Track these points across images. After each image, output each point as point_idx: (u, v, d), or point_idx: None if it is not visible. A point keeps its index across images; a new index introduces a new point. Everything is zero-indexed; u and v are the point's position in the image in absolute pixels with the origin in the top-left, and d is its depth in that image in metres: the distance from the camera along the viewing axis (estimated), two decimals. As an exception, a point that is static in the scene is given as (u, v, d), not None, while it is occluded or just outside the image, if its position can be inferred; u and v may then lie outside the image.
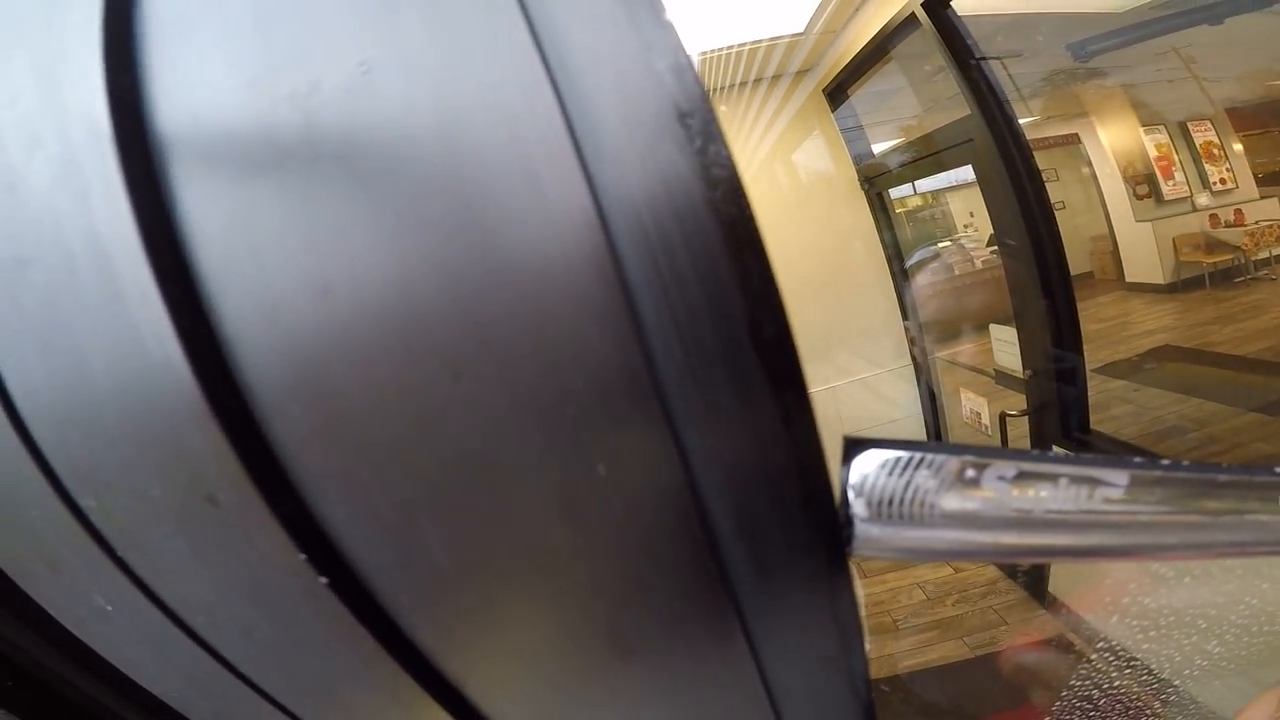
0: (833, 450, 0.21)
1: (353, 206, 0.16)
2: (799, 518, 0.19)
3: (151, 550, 0.23)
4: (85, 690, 0.44)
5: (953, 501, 0.21)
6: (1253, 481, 0.22)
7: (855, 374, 3.48)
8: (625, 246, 0.16)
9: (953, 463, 0.21)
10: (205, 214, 0.18)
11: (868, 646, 0.23)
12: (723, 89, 3.23)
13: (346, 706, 0.26)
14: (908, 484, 0.21)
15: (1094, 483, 0.21)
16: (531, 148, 0.16)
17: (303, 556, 0.20)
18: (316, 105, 0.17)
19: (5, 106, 0.20)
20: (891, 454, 0.21)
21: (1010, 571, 3.09)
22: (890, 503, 0.21)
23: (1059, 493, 0.21)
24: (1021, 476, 0.21)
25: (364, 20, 0.17)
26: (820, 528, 0.19)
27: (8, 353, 0.21)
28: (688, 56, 0.16)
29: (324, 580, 0.20)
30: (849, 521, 0.21)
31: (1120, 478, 0.21)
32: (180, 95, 0.18)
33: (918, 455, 0.21)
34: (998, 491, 0.21)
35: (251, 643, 0.24)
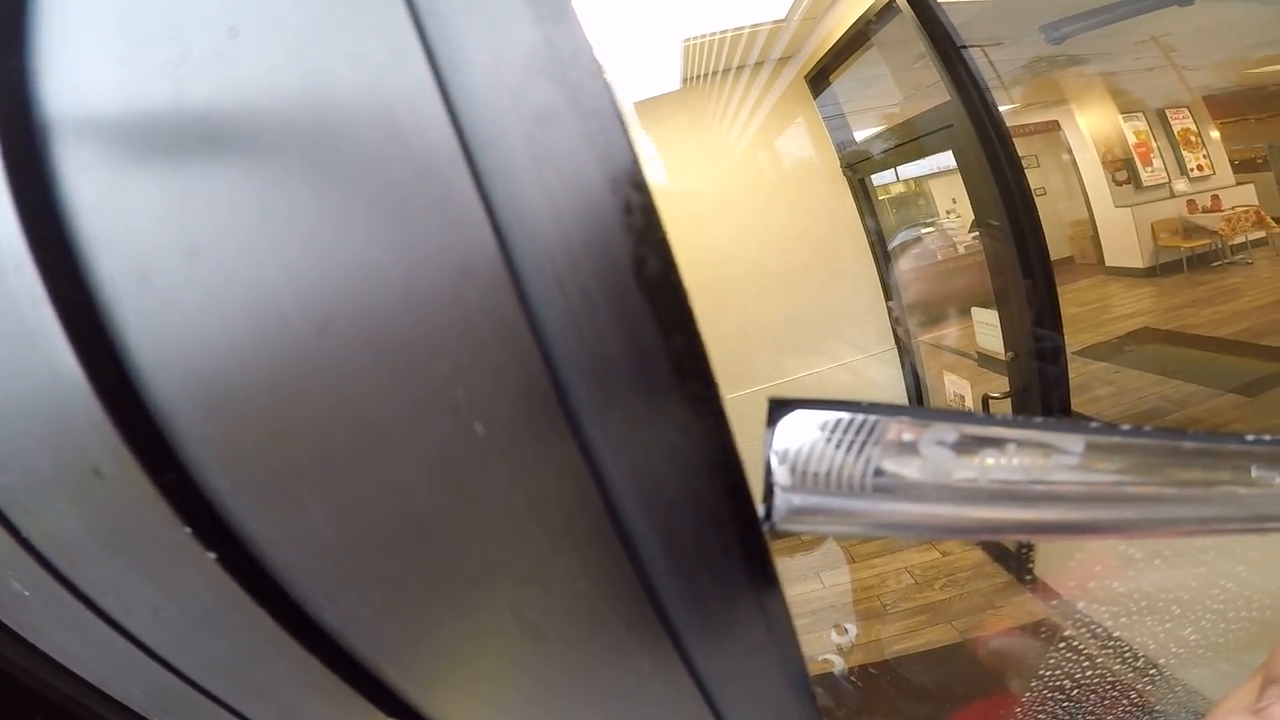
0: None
1: (218, 169, 0.16)
2: (704, 482, 0.17)
3: (52, 529, 0.22)
4: (61, 689, 0.43)
5: (887, 469, 0.19)
6: (1222, 450, 0.20)
7: (839, 359, 3.48)
8: (497, 190, 0.15)
9: (888, 426, 0.20)
10: (82, 185, 0.17)
11: (797, 621, 0.22)
12: (706, 76, 3.22)
13: (268, 692, 0.26)
14: (837, 450, 0.19)
15: (1046, 449, 0.19)
16: (392, 92, 0.15)
17: (187, 530, 0.19)
18: (185, 73, 0.16)
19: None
20: (820, 415, 0.20)
21: (997, 554, 3.11)
22: (817, 471, 0.19)
23: (1007, 460, 0.19)
24: (964, 441, 0.19)
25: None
26: (728, 493, 0.18)
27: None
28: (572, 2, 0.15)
29: (212, 555, 0.19)
30: (770, 491, 0.19)
31: (1075, 444, 0.20)
32: (61, 71, 0.18)
33: (848, 417, 0.20)
34: (937, 458, 0.19)
35: (160, 624, 0.24)
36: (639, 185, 0.15)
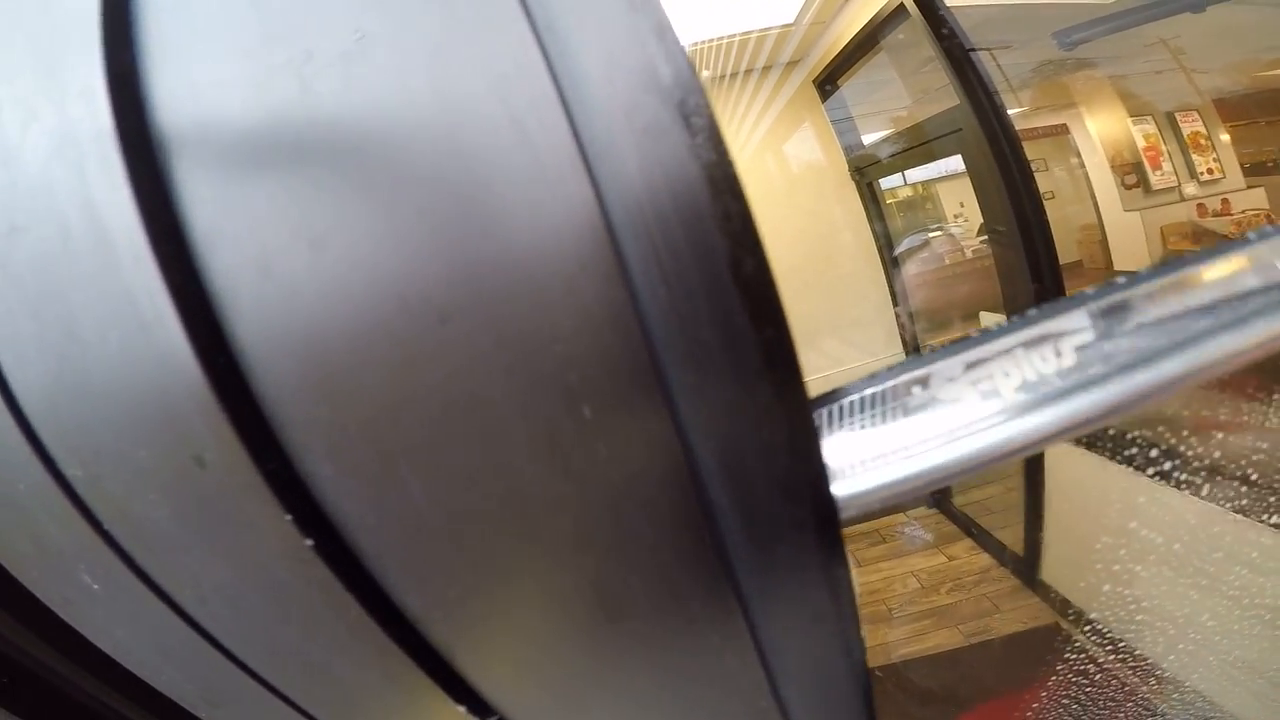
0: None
1: (346, 164, 0.17)
2: (784, 461, 0.19)
3: (138, 519, 0.23)
4: (83, 687, 0.44)
5: (917, 421, 0.19)
6: (1229, 256, 0.19)
7: (847, 363, 3.48)
8: (612, 194, 0.16)
9: (896, 386, 0.20)
10: (200, 178, 0.18)
11: (860, 610, 0.23)
12: (714, 80, 3.24)
13: (336, 682, 0.27)
14: (869, 426, 0.20)
15: (1054, 338, 0.19)
16: (519, 103, 0.16)
17: (288, 517, 0.20)
18: (311, 72, 0.17)
19: (2, 84, 0.20)
20: (844, 402, 0.21)
21: (1002, 559, 3.11)
22: (864, 453, 0.20)
23: (1020, 365, 0.19)
24: (972, 368, 0.19)
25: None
26: (806, 471, 0.19)
27: (-2, 320, 0.21)
28: (668, 19, 0.16)
29: (309, 542, 0.20)
30: (818, 439, 0.19)
31: (1079, 320, 0.19)
32: (177, 68, 0.19)
33: (866, 391, 0.20)
34: (954, 394, 0.19)
35: (238, 615, 0.24)
36: (737, 195, 0.17)
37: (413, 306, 0.17)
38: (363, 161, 0.17)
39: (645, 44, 0.16)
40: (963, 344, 0.20)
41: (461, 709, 0.26)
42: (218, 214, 0.18)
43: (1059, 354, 0.19)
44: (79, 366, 0.20)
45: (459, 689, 0.25)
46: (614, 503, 0.19)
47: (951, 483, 0.19)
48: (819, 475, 0.19)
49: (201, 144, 0.18)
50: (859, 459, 0.20)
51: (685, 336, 0.17)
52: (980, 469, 0.19)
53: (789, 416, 0.18)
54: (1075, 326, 0.19)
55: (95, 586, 0.26)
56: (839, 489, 0.20)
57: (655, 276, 0.17)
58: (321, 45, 0.17)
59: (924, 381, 0.20)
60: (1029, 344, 0.19)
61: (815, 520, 0.20)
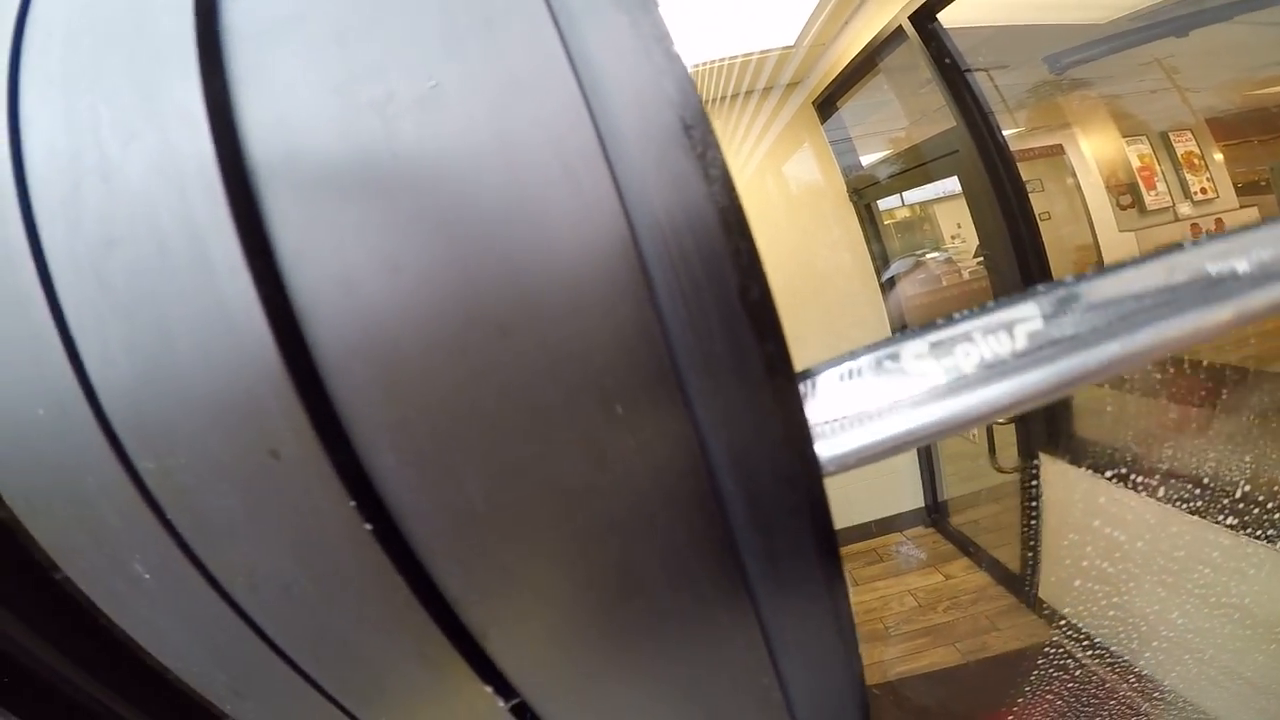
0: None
1: (421, 198, 0.20)
2: (782, 453, 0.22)
3: (203, 510, 0.25)
4: (84, 689, 0.46)
5: (889, 390, 0.24)
6: (1176, 259, 0.23)
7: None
8: (644, 232, 0.20)
9: (870, 360, 0.24)
10: (288, 202, 0.21)
11: (852, 601, 0.26)
12: (717, 101, 3.28)
13: (371, 666, 0.29)
14: (852, 392, 0.24)
15: (1009, 325, 0.23)
16: (570, 154, 0.20)
17: (353, 503, 0.23)
18: (392, 112, 0.21)
19: (103, 103, 0.23)
20: (829, 373, 0.25)
21: (1001, 577, 3.13)
22: (841, 415, 0.24)
23: (980, 347, 0.23)
24: (937, 347, 0.24)
25: (431, 44, 0.21)
26: (802, 464, 0.23)
27: (86, 323, 0.24)
28: (691, 79, 0.19)
29: (369, 527, 0.23)
30: (811, 437, 0.23)
31: (1030, 309, 0.23)
32: (267, 98, 0.22)
33: (846, 365, 0.24)
34: (922, 368, 0.23)
35: (288, 601, 0.27)
36: (746, 235, 0.20)
37: (477, 322, 0.20)
38: (436, 197, 0.20)
39: (672, 102, 0.20)
40: (928, 328, 0.24)
41: (489, 689, 0.28)
42: (304, 235, 0.21)
43: (1013, 337, 0.23)
44: (168, 367, 0.23)
45: (488, 671, 0.28)
46: (640, 489, 0.22)
47: (917, 445, 0.23)
48: (813, 467, 0.23)
49: (290, 172, 0.21)
50: (838, 419, 0.24)
51: (701, 349, 0.21)
52: (944, 433, 0.23)
53: (786, 417, 0.22)
54: (1027, 315, 0.23)
55: (147, 576, 0.28)
56: (821, 449, 0.24)
57: (678, 300, 0.21)
58: (401, 88, 0.20)
59: (895, 356, 0.24)
60: (987, 329, 0.23)
61: (809, 505, 0.23)
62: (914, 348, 0.24)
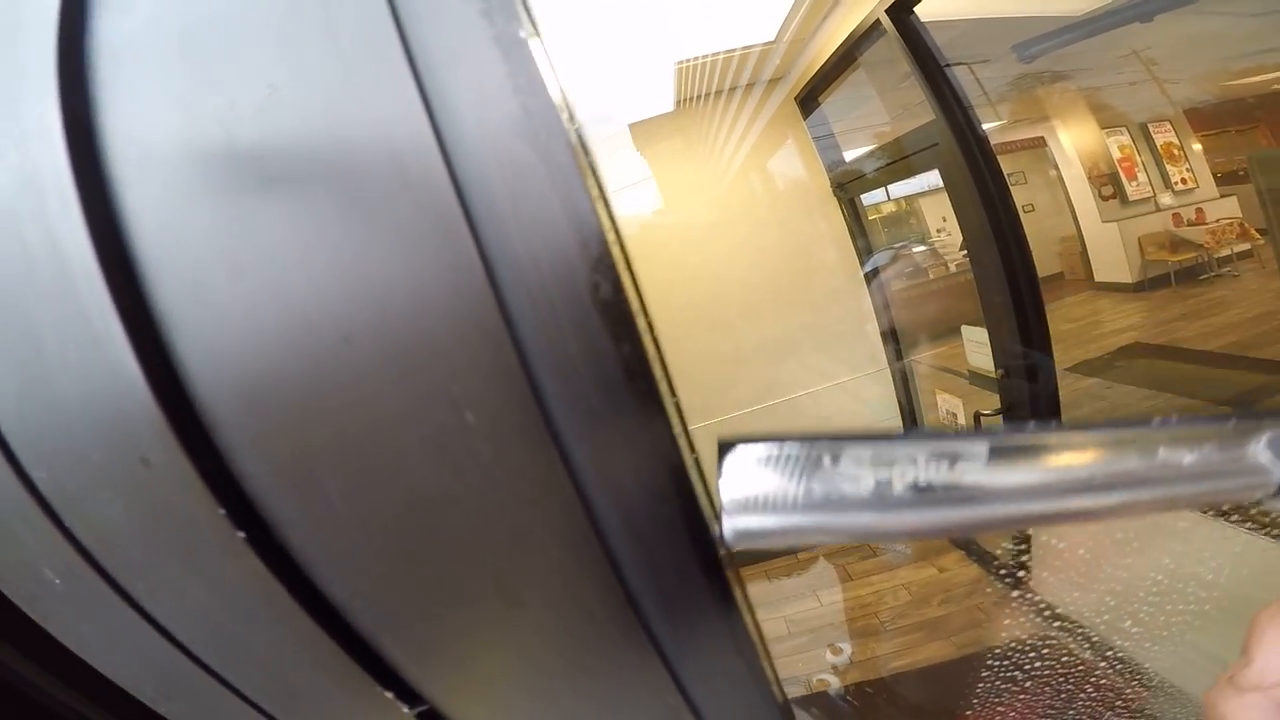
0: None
1: (261, 203, 0.20)
2: (650, 464, 0.22)
3: (93, 516, 0.25)
4: (58, 698, 0.46)
5: (815, 487, 0.23)
6: (1121, 437, 0.23)
7: (832, 378, 3.51)
8: (485, 229, 0.20)
9: (810, 451, 0.23)
10: (144, 212, 0.21)
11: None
12: (698, 98, 3.28)
13: (277, 671, 0.29)
14: (775, 476, 0.23)
15: (953, 457, 0.23)
16: (404, 150, 0.19)
17: (222, 511, 0.22)
18: (232, 119, 0.20)
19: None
20: (759, 449, 0.24)
21: (994, 570, 3.13)
22: (758, 495, 0.23)
23: (918, 469, 0.23)
24: (878, 457, 0.23)
25: (270, 50, 0.20)
26: (670, 474, 0.22)
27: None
28: (535, 71, 0.19)
29: (241, 534, 0.23)
30: (719, 516, 0.23)
31: (980, 449, 0.23)
32: (122, 112, 0.22)
33: (781, 448, 0.23)
34: (857, 474, 0.23)
35: (185, 607, 0.27)
36: (594, 228, 0.20)
37: (320, 329, 0.20)
38: (274, 200, 0.20)
39: (515, 90, 0.19)
40: (881, 439, 0.24)
41: (389, 695, 0.28)
42: (159, 244, 0.21)
43: (953, 470, 0.23)
44: (41, 377, 0.23)
45: (386, 676, 0.28)
46: (502, 499, 0.22)
47: (826, 542, 0.22)
48: (684, 477, 0.22)
49: (143, 182, 0.21)
50: (754, 498, 0.23)
51: (554, 351, 0.20)
52: (849, 539, 0.23)
53: (649, 421, 0.21)
54: (974, 453, 0.23)
55: (57, 582, 0.28)
56: (729, 528, 0.23)
57: (525, 299, 0.20)
58: (241, 96, 0.20)
59: (836, 456, 0.23)
60: (933, 455, 0.23)
61: (685, 519, 0.23)
62: (858, 453, 0.23)
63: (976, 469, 0.23)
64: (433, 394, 0.20)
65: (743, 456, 0.23)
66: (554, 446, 0.21)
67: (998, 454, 0.23)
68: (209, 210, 0.20)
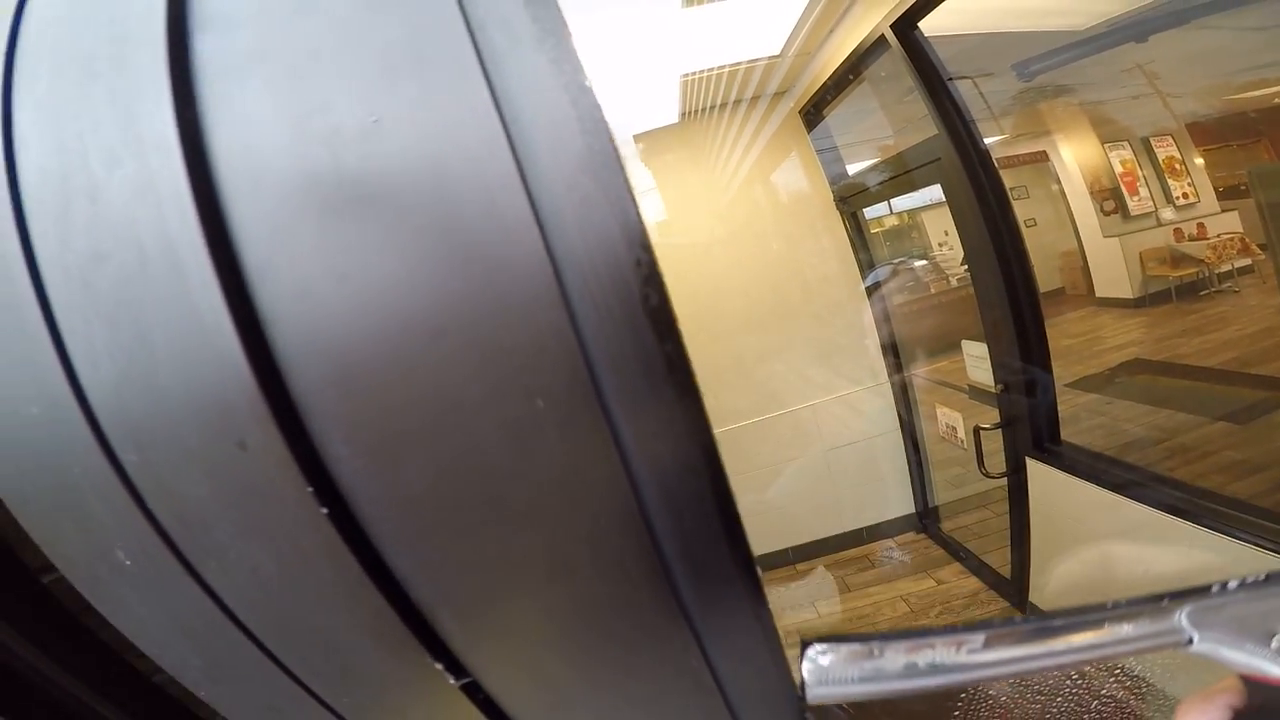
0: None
1: (365, 219, 0.23)
2: (685, 443, 0.26)
3: (180, 497, 0.28)
4: (68, 690, 0.48)
5: (866, 669, 0.33)
6: (1081, 621, 0.33)
7: (834, 391, 3.54)
8: (555, 242, 0.23)
9: (859, 649, 0.34)
10: (252, 221, 0.24)
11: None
12: (704, 111, 3.31)
13: (334, 648, 0.31)
14: (837, 663, 0.34)
15: (960, 641, 0.33)
16: (491, 182, 0.23)
17: (310, 489, 0.25)
18: (339, 144, 0.24)
19: (89, 132, 0.26)
20: (826, 646, 0.34)
21: (992, 582, 3.15)
22: (827, 674, 0.33)
23: (935, 653, 0.33)
24: (911, 648, 0.33)
25: (372, 82, 0.24)
26: (701, 452, 0.26)
27: (76, 329, 0.26)
28: (599, 109, 0.23)
29: (324, 510, 0.26)
30: (804, 687, 0.34)
31: (978, 638, 0.33)
32: (233, 127, 0.25)
33: (842, 646, 0.34)
34: (893, 660, 0.33)
35: (256, 584, 0.29)
36: (646, 247, 0.24)
37: (413, 327, 0.23)
38: (377, 217, 0.23)
39: (582, 133, 0.23)
40: (911, 635, 0.34)
41: (439, 666, 0.30)
42: (266, 251, 0.24)
43: (958, 650, 0.33)
44: (147, 367, 0.26)
45: (438, 649, 0.30)
46: (564, 475, 0.25)
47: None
48: (714, 455, 0.26)
49: (254, 194, 0.24)
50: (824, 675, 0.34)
51: (610, 349, 0.24)
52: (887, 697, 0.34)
53: (686, 407, 0.25)
54: (969, 640, 0.33)
55: (128, 563, 0.30)
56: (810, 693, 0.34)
57: (589, 306, 0.24)
58: (347, 122, 0.23)
59: (881, 650, 0.34)
60: (946, 644, 0.33)
61: (713, 490, 0.26)
62: (895, 650, 0.34)
63: (976, 647, 0.33)
64: (509, 383, 0.24)
65: (817, 649, 0.34)
66: (607, 427, 0.24)
67: (992, 638, 0.33)
68: (315, 222, 0.23)
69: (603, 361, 0.24)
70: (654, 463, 0.25)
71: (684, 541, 0.27)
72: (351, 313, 0.24)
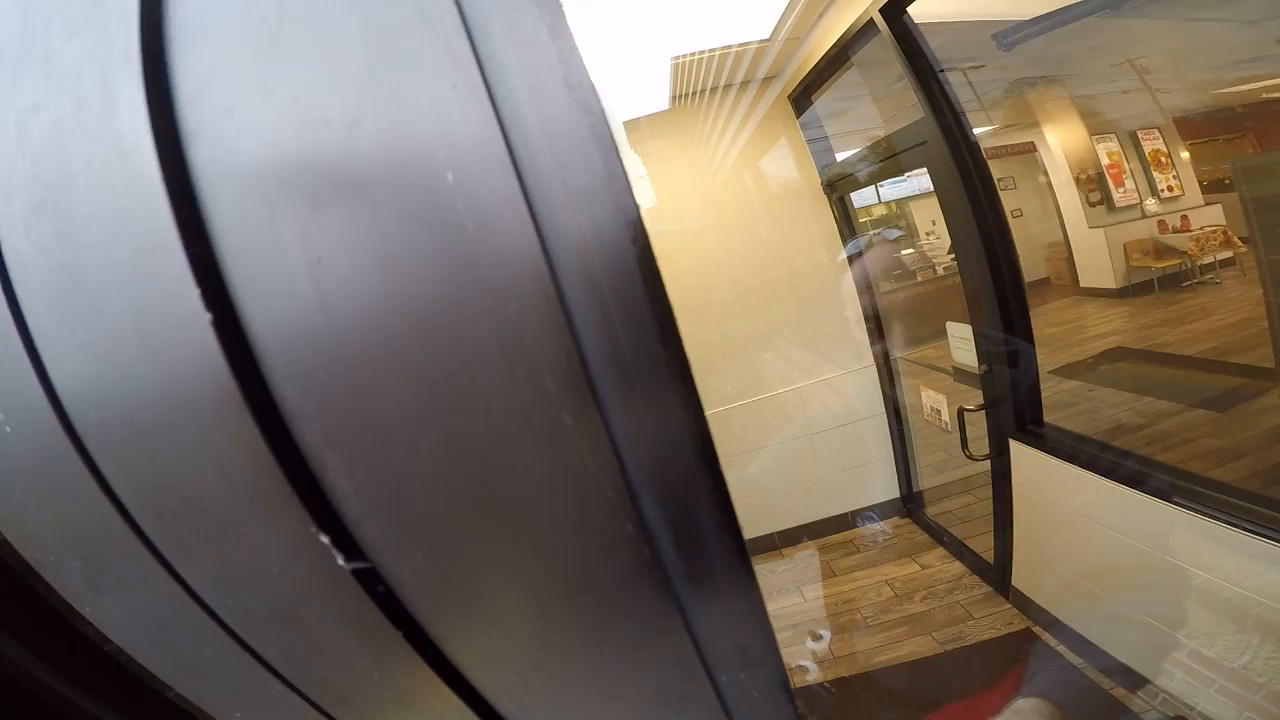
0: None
1: (346, 209, 0.22)
2: (675, 415, 0.25)
3: (156, 492, 0.27)
4: (65, 695, 0.47)
5: None
6: None
7: (820, 375, 3.55)
8: (548, 228, 0.22)
9: None
10: (230, 213, 0.24)
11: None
12: (693, 95, 3.30)
13: (312, 639, 0.31)
14: None
15: None
16: (478, 181, 0.22)
17: (287, 480, 0.25)
18: (321, 137, 0.23)
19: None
20: None
21: (974, 567, 3.18)
22: None
23: None
24: None
25: (358, 74, 0.23)
26: (691, 426, 0.25)
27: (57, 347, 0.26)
28: (597, 95, 0.22)
29: (296, 495, 0.25)
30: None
31: None
32: (211, 123, 0.24)
33: None
34: None
35: (227, 573, 0.29)
36: (640, 224, 0.22)
37: (395, 310, 0.23)
38: (362, 200, 0.22)
39: (580, 108, 0.22)
40: None
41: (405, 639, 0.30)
42: (241, 241, 0.23)
43: None
44: (126, 359, 0.25)
45: (430, 653, 0.30)
46: (550, 464, 0.24)
47: None
48: (703, 429, 0.25)
49: (230, 185, 0.23)
50: None
51: (604, 332, 0.23)
52: None
53: (677, 386, 0.24)
54: None
55: (108, 565, 0.30)
56: None
57: (584, 296, 0.23)
58: (331, 116, 0.22)
59: None
60: None
61: (702, 464, 0.25)
62: None
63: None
64: (519, 368, 0.23)
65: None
66: (597, 412, 0.24)
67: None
68: (293, 210, 0.22)
69: (594, 344, 0.23)
70: (644, 437, 0.25)
71: (675, 528, 0.26)
72: (329, 298, 0.23)
